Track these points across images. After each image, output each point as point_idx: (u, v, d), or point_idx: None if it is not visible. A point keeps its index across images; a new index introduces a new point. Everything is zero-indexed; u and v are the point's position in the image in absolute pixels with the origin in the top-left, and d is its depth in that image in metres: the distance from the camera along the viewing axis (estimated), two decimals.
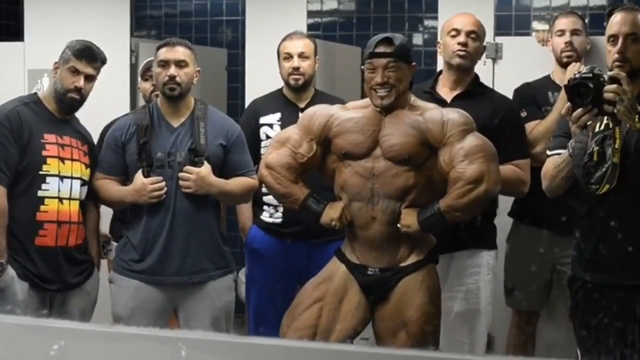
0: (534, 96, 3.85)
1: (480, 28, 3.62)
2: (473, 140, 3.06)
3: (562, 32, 3.87)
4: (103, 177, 3.55)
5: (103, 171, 3.56)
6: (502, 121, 3.50)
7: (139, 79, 4.17)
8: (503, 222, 3.97)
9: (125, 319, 3.45)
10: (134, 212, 3.53)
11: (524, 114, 3.76)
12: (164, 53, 3.50)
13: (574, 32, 3.85)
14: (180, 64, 3.47)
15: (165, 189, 3.43)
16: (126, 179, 3.54)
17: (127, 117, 3.66)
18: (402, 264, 3.14)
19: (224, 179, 3.51)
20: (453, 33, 3.58)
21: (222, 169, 3.53)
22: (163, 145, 3.48)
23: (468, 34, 3.56)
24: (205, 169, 3.44)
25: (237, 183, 3.55)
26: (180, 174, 3.43)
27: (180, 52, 3.50)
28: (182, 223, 3.46)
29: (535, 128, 3.69)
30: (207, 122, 3.52)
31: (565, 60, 3.83)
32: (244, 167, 3.58)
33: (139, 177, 3.45)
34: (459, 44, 3.55)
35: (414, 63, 3.21)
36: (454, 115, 3.11)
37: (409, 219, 3.08)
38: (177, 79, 3.46)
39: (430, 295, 3.12)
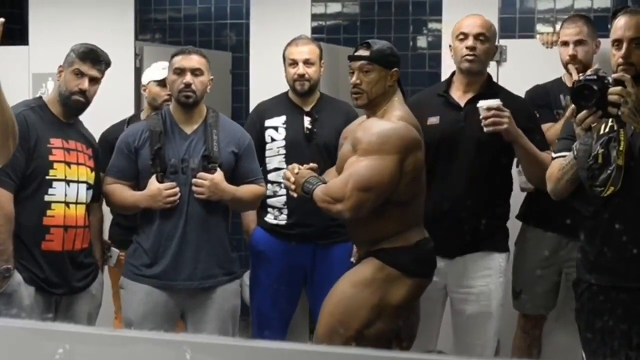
0: (546, 98, 3.84)
1: (489, 29, 3.58)
2: (365, 165, 3.05)
3: (565, 43, 3.83)
4: (114, 182, 3.56)
5: (114, 176, 3.56)
6: (518, 119, 3.45)
7: (147, 82, 4.17)
8: (511, 225, 3.96)
9: (137, 324, 3.46)
10: (145, 216, 3.53)
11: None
12: (180, 61, 3.52)
13: (577, 43, 3.80)
14: (195, 72, 3.50)
15: (179, 194, 3.45)
16: (137, 184, 3.54)
17: (140, 123, 3.68)
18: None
19: (234, 186, 3.53)
20: (461, 37, 3.55)
21: (233, 176, 3.54)
22: (177, 152, 3.49)
23: (476, 36, 3.53)
24: (219, 175, 3.46)
25: (247, 190, 3.58)
26: (194, 180, 3.44)
27: (195, 60, 3.53)
28: (194, 228, 3.47)
29: (548, 131, 3.67)
30: (220, 129, 3.54)
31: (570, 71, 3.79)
32: (253, 175, 3.61)
33: (153, 183, 3.45)
34: (467, 47, 3.52)
35: (395, 69, 3.22)
36: (376, 131, 3.11)
37: (298, 180, 3.19)
38: (193, 86, 3.49)
39: (349, 280, 3.16)
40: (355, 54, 3.24)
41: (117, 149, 3.59)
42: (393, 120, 3.14)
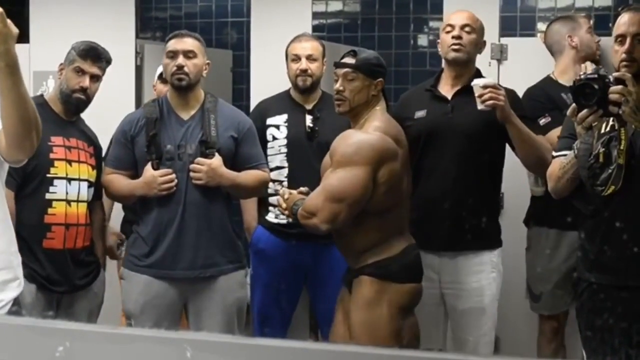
0: (552, 100, 3.77)
1: (475, 22, 3.61)
2: (337, 177, 3.08)
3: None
4: (112, 172, 3.53)
5: (112, 166, 3.53)
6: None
7: (156, 79, 4.17)
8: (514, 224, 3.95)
9: (136, 316, 3.43)
10: (144, 205, 3.49)
11: (547, 120, 3.69)
12: (173, 44, 3.50)
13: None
14: (188, 54, 3.47)
15: (176, 181, 3.41)
16: (135, 174, 3.50)
17: (137, 111, 3.65)
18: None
19: (235, 172, 3.50)
20: (448, 29, 3.60)
21: (234, 162, 3.50)
22: (173, 138, 3.46)
23: (462, 27, 3.57)
24: (217, 160, 3.42)
25: (249, 176, 3.53)
26: (192, 166, 3.40)
27: (188, 43, 3.50)
28: (193, 216, 3.42)
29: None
30: (218, 114, 3.50)
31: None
32: (255, 160, 3.56)
33: (148, 170, 3.42)
34: (453, 37, 3.56)
35: (380, 79, 3.22)
36: (350, 142, 3.12)
37: (289, 205, 3.20)
38: (185, 68, 3.45)
39: (356, 310, 3.15)
40: (341, 61, 3.26)
41: (115, 138, 3.57)
42: (370, 131, 3.15)
